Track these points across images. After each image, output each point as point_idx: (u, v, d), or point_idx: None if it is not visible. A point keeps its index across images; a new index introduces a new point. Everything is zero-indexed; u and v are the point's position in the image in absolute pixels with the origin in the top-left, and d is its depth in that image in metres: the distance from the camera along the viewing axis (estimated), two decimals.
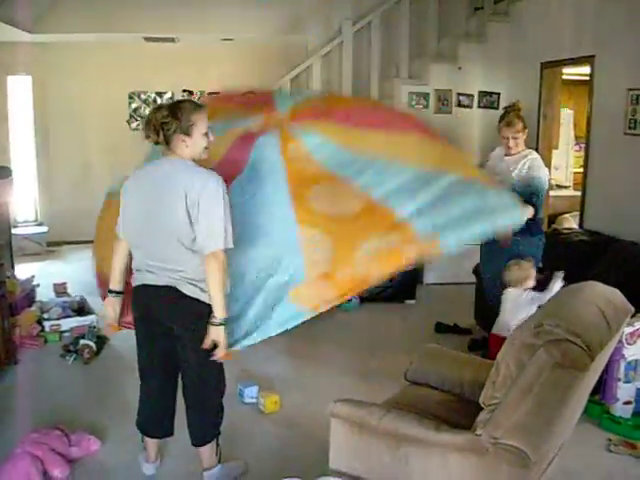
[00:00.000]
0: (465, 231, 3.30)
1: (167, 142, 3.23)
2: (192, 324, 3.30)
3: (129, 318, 3.59)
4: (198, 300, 3.26)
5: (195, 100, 3.19)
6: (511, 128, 5.05)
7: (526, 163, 5.00)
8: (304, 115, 3.84)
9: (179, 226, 3.16)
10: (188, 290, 3.25)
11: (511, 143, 5.06)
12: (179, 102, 3.33)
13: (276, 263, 3.46)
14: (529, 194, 4.72)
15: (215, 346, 3.27)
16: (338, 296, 3.44)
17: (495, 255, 5.07)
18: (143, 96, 9.94)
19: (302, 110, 3.91)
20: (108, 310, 3.58)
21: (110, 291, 3.55)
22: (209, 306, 3.24)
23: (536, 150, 7.17)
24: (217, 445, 3.61)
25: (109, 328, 3.71)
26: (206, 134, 3.29)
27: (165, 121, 3.19)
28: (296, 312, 3.49)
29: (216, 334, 3.23)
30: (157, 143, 3.28)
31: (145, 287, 3.33)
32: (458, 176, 3.48)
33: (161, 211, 3.20)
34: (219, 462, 3.62)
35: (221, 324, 3.22)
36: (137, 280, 3.38)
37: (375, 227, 3.37)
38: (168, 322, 3.35)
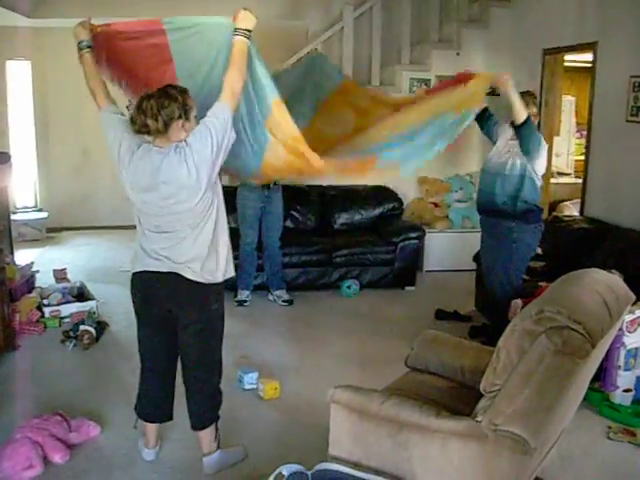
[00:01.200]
0: (422, 157, 4.05)
1: (164, 129, 3.12)
2: (195, 308, 3.33)
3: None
4: (201, 283, 3.27)
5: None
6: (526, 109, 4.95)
7: None
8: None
9: (185, 198, 3.16)
10: (191, 274, 3.26)
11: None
12: (169, 87, 3.22)
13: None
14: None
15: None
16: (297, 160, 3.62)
17: (494, 242, 5.06)
18: None
19: None
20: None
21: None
22: (212, 287, 3.29)
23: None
24: (216, 430, 3.62)
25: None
26: (196, 116, 3.24)
27: (163, 106, 3.10)
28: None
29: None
30: (147, 132, 3.15)
31: (147, 273, 3.33)
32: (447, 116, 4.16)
33: (168, 197, 3.17)
34: (218, 447, 3.63)
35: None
36: (138, 265, 3.37)
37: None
38: (169, 306, 3.35)
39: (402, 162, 3.93)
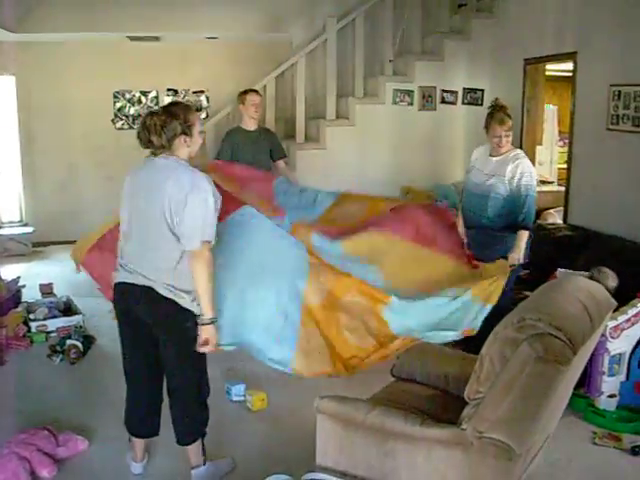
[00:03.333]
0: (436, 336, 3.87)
1: (168, 144, 3.26)
2: (170, 325, 3.33)
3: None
4: (174, 302, 3.26)
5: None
6: (503, 126, 4.94)
7: (517, 169, 4.90)
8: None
9: (164, 222, 3.20)
10: (164, 292, 3.25)
11: (503, 141, 4.97)
12: (172, 104, 3.39)
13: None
14: (522, 204, 4.82)
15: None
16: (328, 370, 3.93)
17: (483, 252, 5.09)
18: (128, 95, 9.90)
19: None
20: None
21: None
22: (186, 311, 3.28)
23: (520, 147, 7.23)
24: (203, 445, 3.62)
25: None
26: (200, 132, 3.38)
27: (166, 123, 3.23)
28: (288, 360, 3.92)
29: (207, 333, 3.27)
30: (151, 147, 3.28)
31: (124, 285, 3.35)
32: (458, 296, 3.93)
33: (149, 208, 3.24)
34: (204, 460, 3.63)
35: (211, 322, 3.27)
36: (117, 277, 3.40)
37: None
38: (145, 318, 3.37)
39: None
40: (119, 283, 3.39)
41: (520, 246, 4.84)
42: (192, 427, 3.55)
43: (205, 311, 3.25)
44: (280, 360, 3.89)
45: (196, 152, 3.42)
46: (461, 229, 4.95)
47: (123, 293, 3.38)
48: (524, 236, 4.85)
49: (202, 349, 3.30)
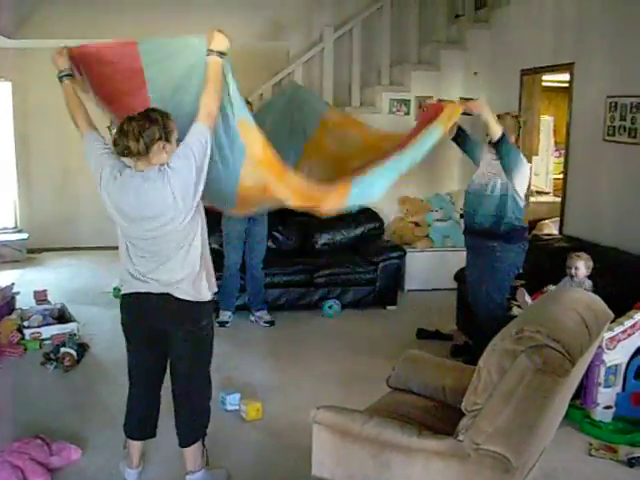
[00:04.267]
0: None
1: (146, 151, 3.17)
2: (186, 325, 3.38)
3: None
4: (191, 301, 3.31)
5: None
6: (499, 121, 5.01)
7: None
8: None
9: (168, 220, 3.19)
10: (181, 294, 3.30)
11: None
12: (150, 110, 3.27)
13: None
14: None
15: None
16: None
17: (478, 262, 5.11)
18: None
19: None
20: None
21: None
22: (201, 304, 3.35)
23: None
24: (203, 446, 3.64)
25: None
26: (177, 140, 3.28)
27: (145, 128, 3.15)
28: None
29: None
30: (128, 155, 3.20)
31: (138, 295, 3.36)
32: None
33: (153, 219, 3.20)
34: (207, 464, 3.65)
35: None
36: (128, 287, 3.40)
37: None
38: (161, 325, 3.39)
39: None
40: (132, 293, 3.40)
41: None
42: (196, 428, 3.60)
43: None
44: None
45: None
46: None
47: (137, 302, 3.40)
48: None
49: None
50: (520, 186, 4.93)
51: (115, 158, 3.27)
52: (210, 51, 3.30)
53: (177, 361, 3.50)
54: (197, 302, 3.35)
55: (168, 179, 3.14)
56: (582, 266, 4.89)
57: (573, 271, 4.90)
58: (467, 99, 8.25)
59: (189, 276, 3.30)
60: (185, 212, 3.19)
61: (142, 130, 3.15)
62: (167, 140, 3.21)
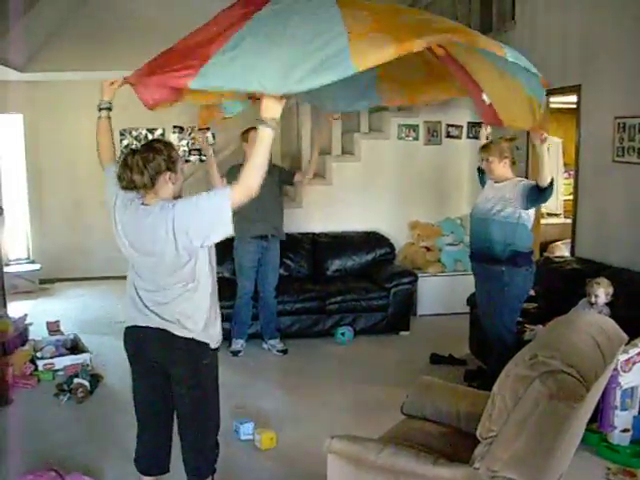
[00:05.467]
0: None
1: (151, 183, 3.14)
2: (184, 364, 3.28)
3: None
4: (190, 339, 3.23)
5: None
6: (483, 152, 5.24)
7: (516, 187, 5.00)
8: None
9: (169, 259, 3.13)
10: (179, 331, 3.22)
11: (490, 166, 5.16)
12: (154, 141, 3.27)
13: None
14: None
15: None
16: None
17: (486, 287, 5.10)
18: (134, 133, 9.98)
19: None
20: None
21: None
22: (202, 346, 3.25)
23: (526, 178, 7.24)
24: None
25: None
26: (182, 169, 3.28)
27: (149, 160, 3.12)
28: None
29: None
30: (134, 188, 3.16)
31: (136, 328, 3.32)
32: None
33: (154, 253, 3.15)
34: None
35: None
36: (128, 320, 3.38)
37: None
38: (161, 361, 3.33)
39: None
40: (132, 327, 3.36)
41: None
42: (203, 464, 3.51)
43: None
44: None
45: (180, 190, 3.29)
46: None
47: (136, 336, 3.34)
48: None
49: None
50: (532, 212, 4.97)
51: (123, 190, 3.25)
52: (262, 121, 2.98)
53: (178, 401, 3.40)
54: (197, 341, 3.24)
55: (166, 218, 3.07)
56: (602, 294, 4.88)
57: (593, 299, 4.89)
58: (475, 124, 8.33)
59: (186, 315, 3.21)
60: (180, 255, 3.11)
61: (146, 162, 3.12)
62: (172, 170, 3.19)
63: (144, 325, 3.27)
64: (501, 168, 5.12)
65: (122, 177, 3.15)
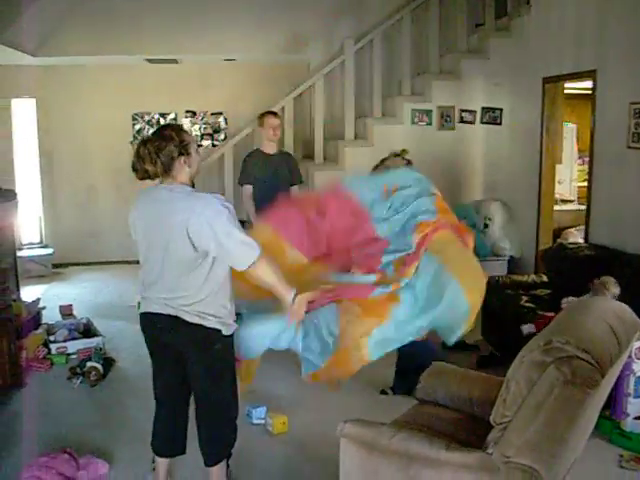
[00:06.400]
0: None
1: (166, 170, 3.17)
2: (199, 348, 3.31)
3: None
4: (202, 326, 3.24)
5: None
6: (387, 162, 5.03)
7: None
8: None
9: (183, 252, 3.15)
10: (191, 318, 3.23)
11: None
12: (163, 128, 3.28)
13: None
14: None
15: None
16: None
17: None
18: (147, 117, 9.97)
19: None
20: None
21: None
22: (214, 332, 3.26)
23: (539, 165, 7.22)
24: (227, 466, 3.60)
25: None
26: (197, 149, 3.30)
27: (161, 149, 3.14)
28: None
29: (295, 306, 3.32)
30: (148, 178, 3.19)
31: (151, 315, 3.34)
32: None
33: (165, 239, 3.17)
34: None
35: (294, 299, 3.31)
36: (143, 306, 3.39)
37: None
38: (176, 345, 3.35)
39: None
40: (145, 313, 3.38)
41: None
42: (219, 447, 3.54)
43: (284, 296, 3.30)
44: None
45: (197, 171, 3.33)
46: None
47: (150, 322, 3.37)
48: None
49: (292, 319, 3.40)
50: None
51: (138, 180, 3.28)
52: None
53: (194, 381, 3.44)
54: (207, 328, 3.26)
55: (191, 207, 3.11)
56: (610, 296, 4.79)
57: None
58: (489, 109, 8.27)
59: (197, 301, 3.22)
60: (196, 249, 3.14)
61: (158, 151, 3.14)
62: (186, 154, 3.21)
63: (157, 312, 3.29)
64: None
65: (136, 168, 3.20)
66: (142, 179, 3.22)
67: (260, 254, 3.16)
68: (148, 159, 3.14)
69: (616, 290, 4.81)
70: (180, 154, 3.18)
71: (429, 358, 4.28)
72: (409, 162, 5.06)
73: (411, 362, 4.76)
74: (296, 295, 3.31)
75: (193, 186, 3.33)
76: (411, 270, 3.69)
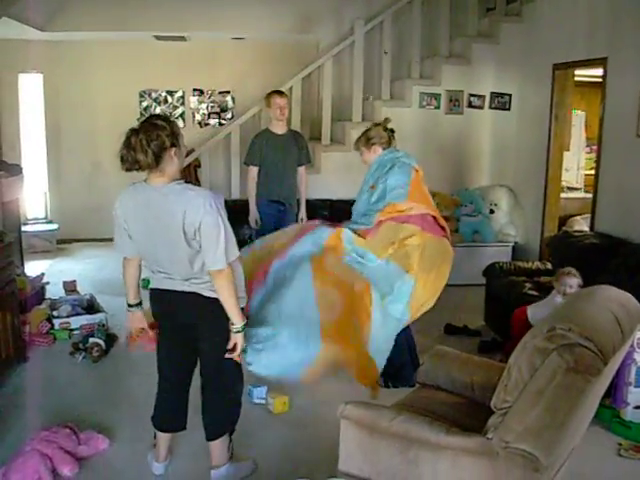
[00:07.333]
0: None
1: (156, 160, 3.09)
2: (216, 322, 3.34)
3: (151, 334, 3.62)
4: (216, 299, 3.27)
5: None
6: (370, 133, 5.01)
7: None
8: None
9: (183, 248, 3.17)
10: (210, 293, 3.28)
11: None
12: (153, 117, 3.22)
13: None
14: None
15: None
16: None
17: None
18: (154, 94, 9.95)
19: None
20: (134, 324, 3.59)
21: (130, 305, 3.55)
22: None
23: (547, 152, 7.18)
24: (230, 441, 3.64)
25: (131, 341, 3.79)
26: (184, 142, 3.27)
27: (153, 138, 3.07)
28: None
29: (236, 339, 3.32)
30: (139, 169, 3.12)
31: (163, 291, 3.36)
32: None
33: (164, 237, 3.19)
34: (231, 458, 3.65)
35: (240, 331, 3.31)
36: (155, 282, 3.40)
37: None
38: (189, 320, 3.38)
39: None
40: (157, 289, 3.40)
41: None
42: (222, 421, 3.60)
43: (235, 320, 3.28)
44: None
45: (182, 165, 3.29)
46: None
47: (162, 298, 3.40)
48: None
49: (228, 355, 3.35)
50: None
51: (124, 171, 3.21)
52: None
53: (205, 354, 3.49)
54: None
55: (186, 203, 3.11)
56: (575, 284, 4.95)
57: (568, 289, 4.93)
58: (498, 94, 8.23)
59: (207, 279, 3.27)
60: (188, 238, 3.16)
61: (150, 141, 3.07)
62: (177, 145, 3.17)
63: (170, 289, 3.31)
64: (372, 155, 4.99)
65: (125, 158, 3.09)
66: (128, 170, 3.12)
67: (225, 269, 3.17)
68: (140, 148, 3.05)
69: (580, 280, 4.95)
70: (172, 145, 3.13)
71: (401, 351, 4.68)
72: (392, 131, 5.01)
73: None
74: (241, 331, 3.32)
75: (185, 181, 3.27)
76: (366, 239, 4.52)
